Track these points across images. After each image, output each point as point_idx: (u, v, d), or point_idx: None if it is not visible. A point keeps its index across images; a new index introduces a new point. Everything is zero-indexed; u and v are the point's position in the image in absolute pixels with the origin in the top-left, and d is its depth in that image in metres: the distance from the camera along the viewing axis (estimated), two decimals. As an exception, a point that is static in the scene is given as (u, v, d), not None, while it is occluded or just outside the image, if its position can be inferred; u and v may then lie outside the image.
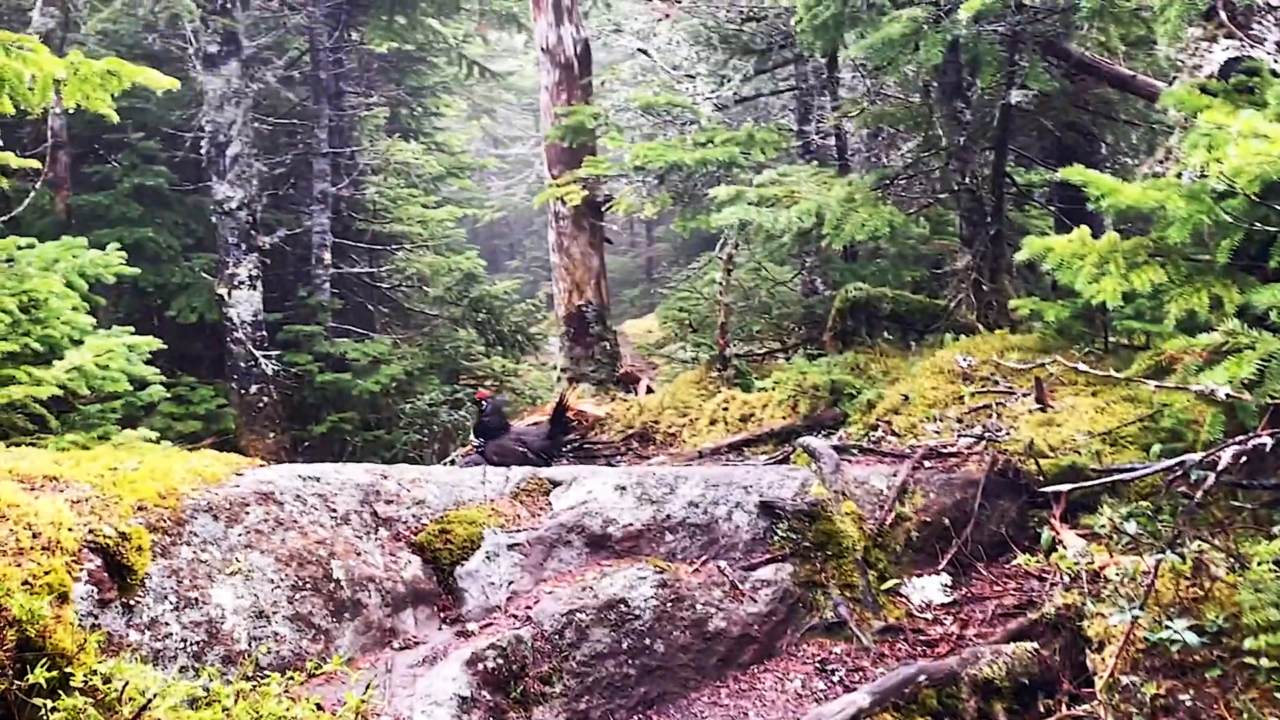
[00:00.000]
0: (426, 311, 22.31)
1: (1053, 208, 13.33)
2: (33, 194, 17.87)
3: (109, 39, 20.21)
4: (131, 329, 11.36)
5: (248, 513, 6.17)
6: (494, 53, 34.95)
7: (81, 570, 5.25)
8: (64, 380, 9.66)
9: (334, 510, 6.61)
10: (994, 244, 10.87)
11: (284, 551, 6.16)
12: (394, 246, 22.14)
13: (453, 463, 14.44)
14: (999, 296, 10.83)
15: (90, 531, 5.36)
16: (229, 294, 18.74)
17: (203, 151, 18.84)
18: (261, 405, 18.98)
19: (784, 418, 11.27)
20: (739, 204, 10.96)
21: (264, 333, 19.12)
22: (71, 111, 18.02)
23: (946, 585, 7.81)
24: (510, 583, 6.93)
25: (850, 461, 8.70)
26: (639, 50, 14.09)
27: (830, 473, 7.95)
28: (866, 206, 10.07)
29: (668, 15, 14.00)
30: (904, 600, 7.69)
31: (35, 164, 10.97)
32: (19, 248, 10.71)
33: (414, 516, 7.02)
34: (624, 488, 7.55)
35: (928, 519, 8.01)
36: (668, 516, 7.48)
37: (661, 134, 13.27)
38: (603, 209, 13.84)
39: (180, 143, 19.78)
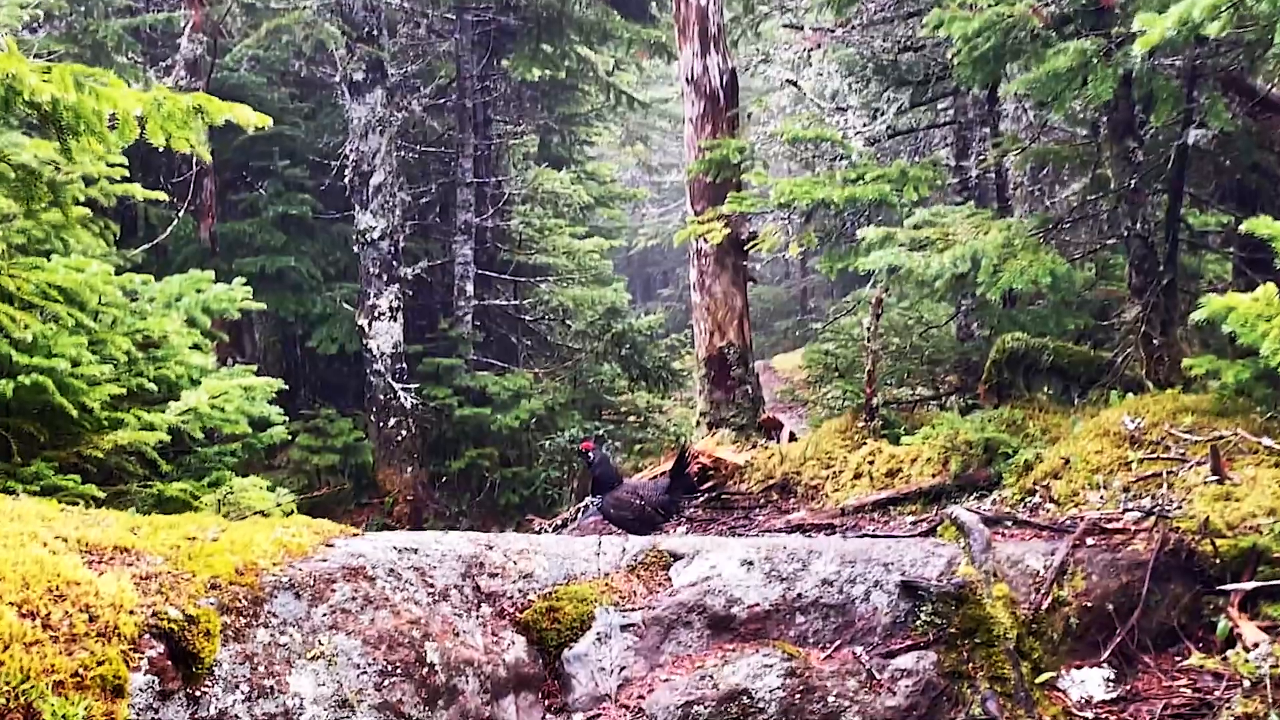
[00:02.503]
0: (569, 345, 21.89)
1: (1231, 254, 12.38)
2: (175, 222, 17.87)
3: (259, 64, 20.19)
4: (254, 368, 11.05)
5: (334, 590, 5.65)
6: (648, 79, 34.61)
7: (141, 659, 4.77)
8: (176, 424, 9.32)
9: (431, 585, 6.07)
10: (1166, 294, 10.01)
11: (373, 633, 5.62)
12: (538, 279, 21.76)
13: (564, 525, 13.92)
14: (1170, 351, 9.97)
15: (154, 614, 4.88)
16: (369, 325, 18.51)
17: (346, 180, 18.64)
18: (400, 439, 18.71)
19: (933, 475, 10.54)
20: (888, 247, 10.29)
21: (404, 365, 18.86)
22: (217, 138, 17.97)
23: (1109, 680, 7.03)
24: (622, 668, 6.33)
25: (1003, 535, 7.94)
26: (788, 81, 13.47)
27: (980, 551, 7.22)
28: (1026, 252, 9.31)
29: (819, 45, 13.37)
30: (1061, 696, 6.92)
31: (161, 195, 10.68)
32: (143, 283, 10.46)
33: (520, 592, 6.47)
34: (751, 563, 6.92)
35: (1089, 604, 7.23)
36: (798, 596, 6.83)
37: (809, 170, 12.64)
38: (746, 247, 13.22)
39: (326, 170, 19.65)
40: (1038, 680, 6.87)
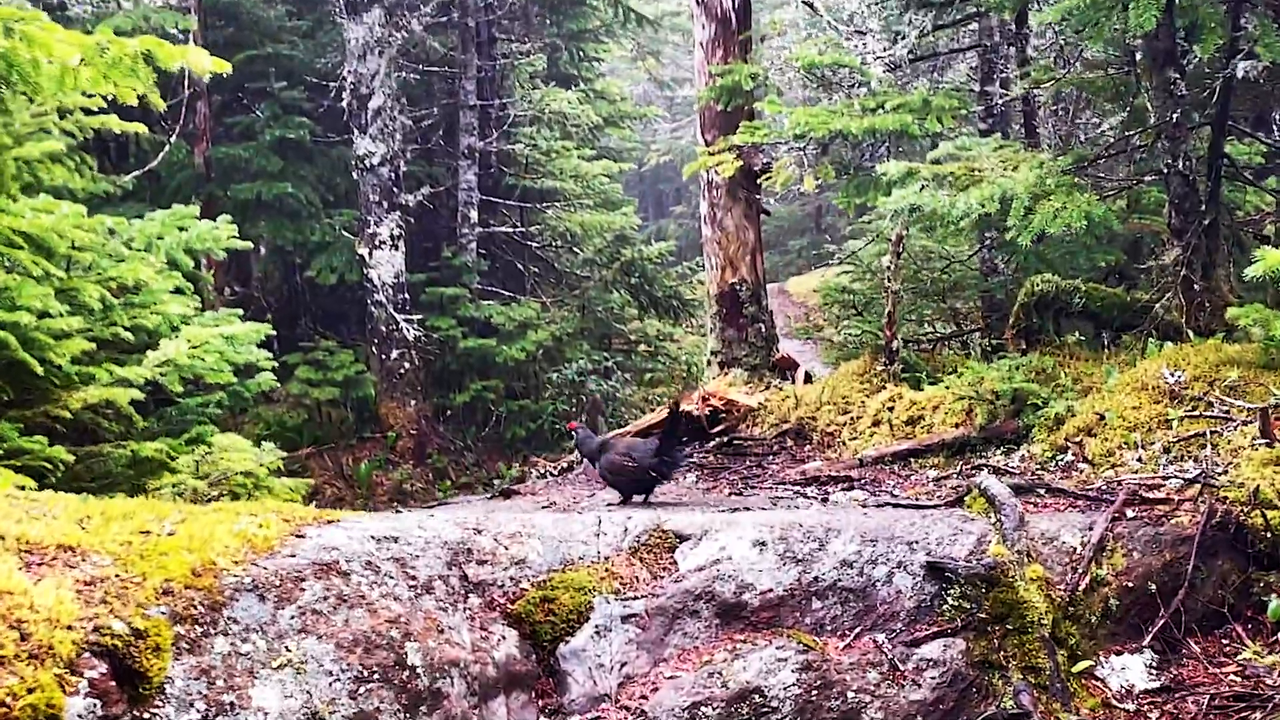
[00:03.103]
0: (577, 273, 21.26)
1: (1275, 190, 11.63)
2: (167, 148, 17.23)
3: (250, -19, 19.46)
4: (240, 312, 10.48)
5: (304, 589, 5.10)
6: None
7: (80, 682, 4.23)
8: (154, 376, 8.76)
9: (413, 578, 5.51)
10: (1208, 236, 9.35)
11: (347, 635, 5.08)
12: (544, 205, 21.07)
13: (569, 469, 13.42)
14: (1212, 297, 9.34)
15: (96, 629, 4.34)
16: (370, 254, 17.91)
17: (344, 104, 17.95)
18: (402, 371, 18.17)
19: (956, 424, 9.97)
20: (910, 184, 9.64)
21: (406, 295, 18.28)
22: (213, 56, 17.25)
23: (1151, 666, 6.49)
24: (623, 664, 5.80)
25: (1035, 505, 7.36)
26: (804, 2, 12.73)
27: (1013, 528, 6.66)
28: (1060, 193, 8.65)
29: (837, -38, 12.66)
30: (1099, 685, 6.39)
31: (140, 127, 10.02)
32: (119, 224, 9.86)
33: (511, 580, 5.93)
34: (764, 543, 6.36)
35: (1130, 583, 6.67)
36: (815, 579, 6.28)
37: (826, 98, 11.94)
38: (759, 180, 12.54)
39: (325, 91, 18.95)
40: (1075, 669, 6.35)
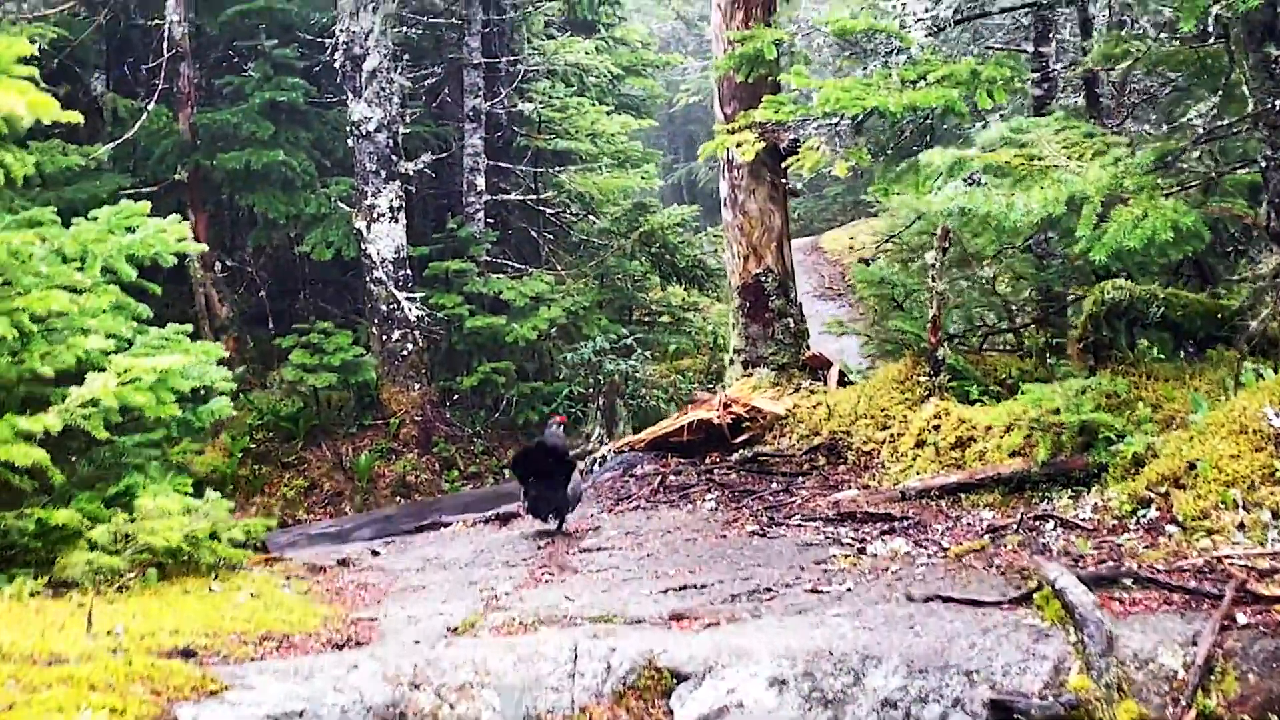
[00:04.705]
0: (594, 240, 19.84)
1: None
2: (145, 115, 15.93)
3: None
4: (189, 328, 9.18)
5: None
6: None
7: None
8: (72, 420, 7.48)
9: (322, 772, 4.22)
10: (1314, 239, 7.90)
11: None
12: (558, 169, 19.62)
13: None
14: (1321, 314, 7.89)
15: None
16: (368, 228, 16.60)
17: (337, 65, 16.56)
18: (405, 353, 16.91)
19: (1012, 452, 8.60)
20: (958, 175, 8.22)
21: (408, 271, 16.99)
22: (201, 13, 15.89)
23: (1276, 834, 5.15)
24: None
25: (1122, 604, 5.97)
26: (835, -44, 11.25)
27: (1099, 653, 5.28)
28: (1140, 198, 7.21)
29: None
30: None
31: (75, 116, 8.66)
32: (42, 239, 8.57)
33: (458, 754, 4.62)
34: (784, 681, 5.06)
35: (1246, 716, 5.30)
36: (850, 728, 4.95)
37: (860, 68, 10.48)
38: (785, 164, 11.09)
39: (322, 49, 17.55)
40: (1179, 842, 5.02)
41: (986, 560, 7.16)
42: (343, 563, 9.00)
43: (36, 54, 7.88)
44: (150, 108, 16.06)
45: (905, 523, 8.37)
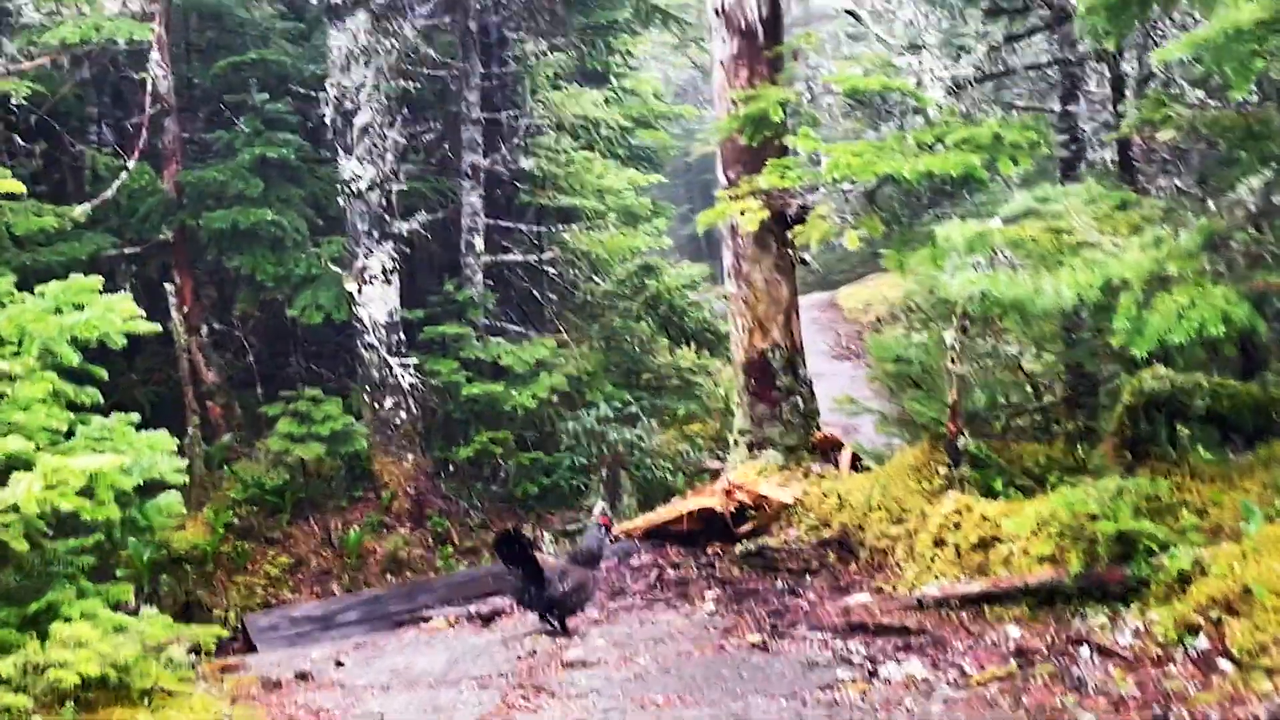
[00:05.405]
0: (600, 301, 19.06)
1: None
2: (125, 174, 15.26)
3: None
4: (136, 417, 8.38)
5: None
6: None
7: None
8: (-12, 534, 6.71)
9: None
10: (1380, 328, 7.07)
11: None
12: (562, 227, 18.84)
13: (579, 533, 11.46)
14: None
15: None
16: (359, 290, 15.87)
17: (327, 121, 15.87)
18: (398, 422, 16.17)
19: (1042, 558, 7.74)
20: (980, 250, 7.41)
21: (401, 335, 16.25)
22: (190, 68, 15.21)
23: None
24: None
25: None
26: (846, 11, 10.43)
27: None
28: (1185, 286, 6.38)
29: (888, -41, 10.39)
30: None
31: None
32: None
33: None
34: None
35: None
36: None
37: (872, 129, 9.71)
38: (791, 234, 10.25)
39: (315, 104, 16.84)
40: None
41: (1014, 695, 6.33)
42: (301, 676, 8.19)
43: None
44: (131, 165, 15.35)
45: (922, 638, 7.57)
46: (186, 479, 8.40)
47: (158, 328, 8.88)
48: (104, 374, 8.56)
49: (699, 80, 43.57)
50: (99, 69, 16.73)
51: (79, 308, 8.54)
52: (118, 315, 8.43)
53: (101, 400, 8.59)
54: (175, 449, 8.39)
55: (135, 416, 8.35)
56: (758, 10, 10.63)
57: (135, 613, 7.55)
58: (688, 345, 18.62)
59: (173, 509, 8.35)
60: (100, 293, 8.71)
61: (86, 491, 7.15)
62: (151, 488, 8.24)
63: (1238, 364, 9.41)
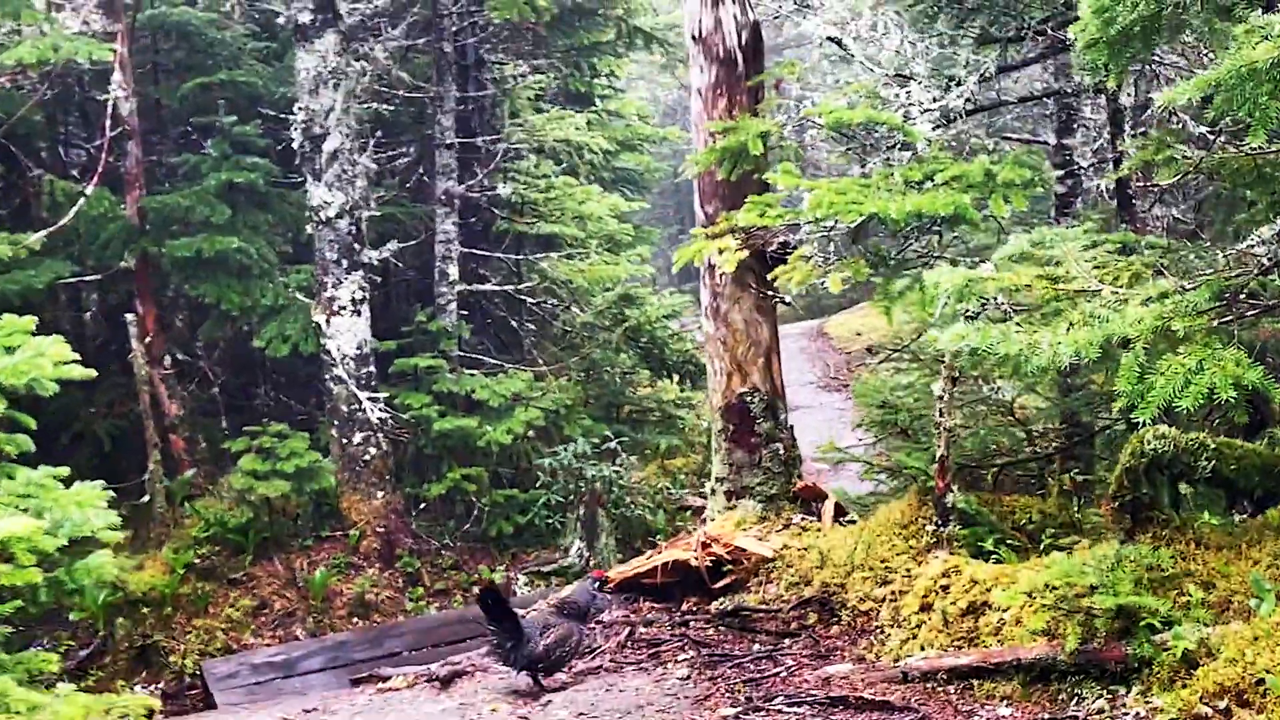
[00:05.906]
0: (580, 332, 18.50)
1: None
2: (83, 200, 14.70)
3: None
4: (65, 471, 7.83)
5: None
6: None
7: None
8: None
9: None
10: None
11: None
12: (540, 255, 18.26)
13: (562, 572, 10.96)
14: None
15: None
16: (327, 322, 15.30)
17: (295, 146, 15.32)
18: (367, 458, 15.59)
19: (1035, 632, 7.18)
20: (970, 298, 6.89)
21: (371, 368, 15.68)
22: (156, 88, 14.69)
23: None
24: None
25: None
26: (830, 39, 9.91)
27: None
28: (1194, 347, 5.85)
29: (875, -13, 9.86)
30: None
31: None
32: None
33: None
34: None
35: None
36: None
37: (857, 163, 9.18)
38: (771, 275, 9.69)
39: (286, 127, 16.28)
40: None
41: None
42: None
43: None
44: (89, 190, 14.80)
45: (907, 716, 7.01)
46: (120, 536, 7.88)
47: (93, 373, 8.33)
48: (32, 423, 8.03)
49: (687, 101, 43.33)
50: (63, 90, 16.22)
51: (9, 350, 8.03)
52: (49, 359, 7.92)
53: (33, 448, 8.11)
54: (108, 503, 7.89)
55: (64, 470, 7.82)
56: (737, 37, 10.09)
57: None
58: (669, 378, 18.11)
59: (104, 570, 7.80)
60: (40, 332, 8.24)
61: (4, 556, 6.64)
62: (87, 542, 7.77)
63: (1242, 416, 8.88)
